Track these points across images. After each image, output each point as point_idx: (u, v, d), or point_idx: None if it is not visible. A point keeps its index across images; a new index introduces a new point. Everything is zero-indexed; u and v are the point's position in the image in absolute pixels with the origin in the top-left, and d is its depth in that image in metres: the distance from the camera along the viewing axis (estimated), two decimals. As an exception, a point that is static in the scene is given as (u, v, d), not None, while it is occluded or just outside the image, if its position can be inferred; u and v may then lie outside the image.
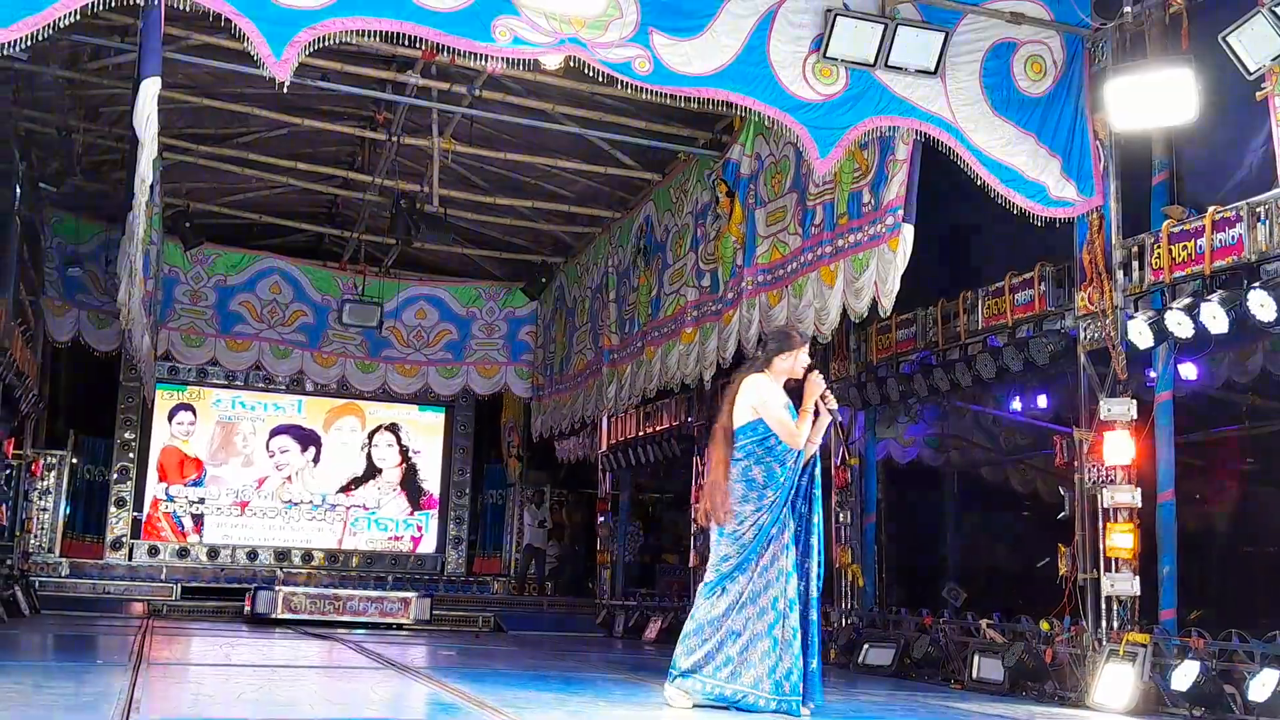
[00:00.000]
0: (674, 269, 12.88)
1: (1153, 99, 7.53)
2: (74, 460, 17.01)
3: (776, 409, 5.87)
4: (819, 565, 5.90)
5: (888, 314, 9.29)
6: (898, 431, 12.71)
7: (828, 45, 7.58)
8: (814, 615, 5.86)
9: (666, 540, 18.06)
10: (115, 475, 17.53)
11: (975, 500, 13.95)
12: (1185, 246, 7.73)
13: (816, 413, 5.92)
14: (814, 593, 5.88)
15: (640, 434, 15.91)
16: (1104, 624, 7.89)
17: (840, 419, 6.20)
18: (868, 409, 11.46)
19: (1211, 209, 7.55)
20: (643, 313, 13.61)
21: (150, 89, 7.21)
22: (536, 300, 17.42)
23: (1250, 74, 7.10)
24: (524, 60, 7.41)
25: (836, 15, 7.55)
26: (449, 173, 13.68)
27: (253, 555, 18.01)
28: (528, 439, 18.37)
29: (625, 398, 14.11)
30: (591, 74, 7.53)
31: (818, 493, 5.94)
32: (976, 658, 8.78)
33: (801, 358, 6.00)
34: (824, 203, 9.93)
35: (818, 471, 5.97)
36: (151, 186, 9.22)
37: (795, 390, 6.01)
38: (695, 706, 5.82)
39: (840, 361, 11.51)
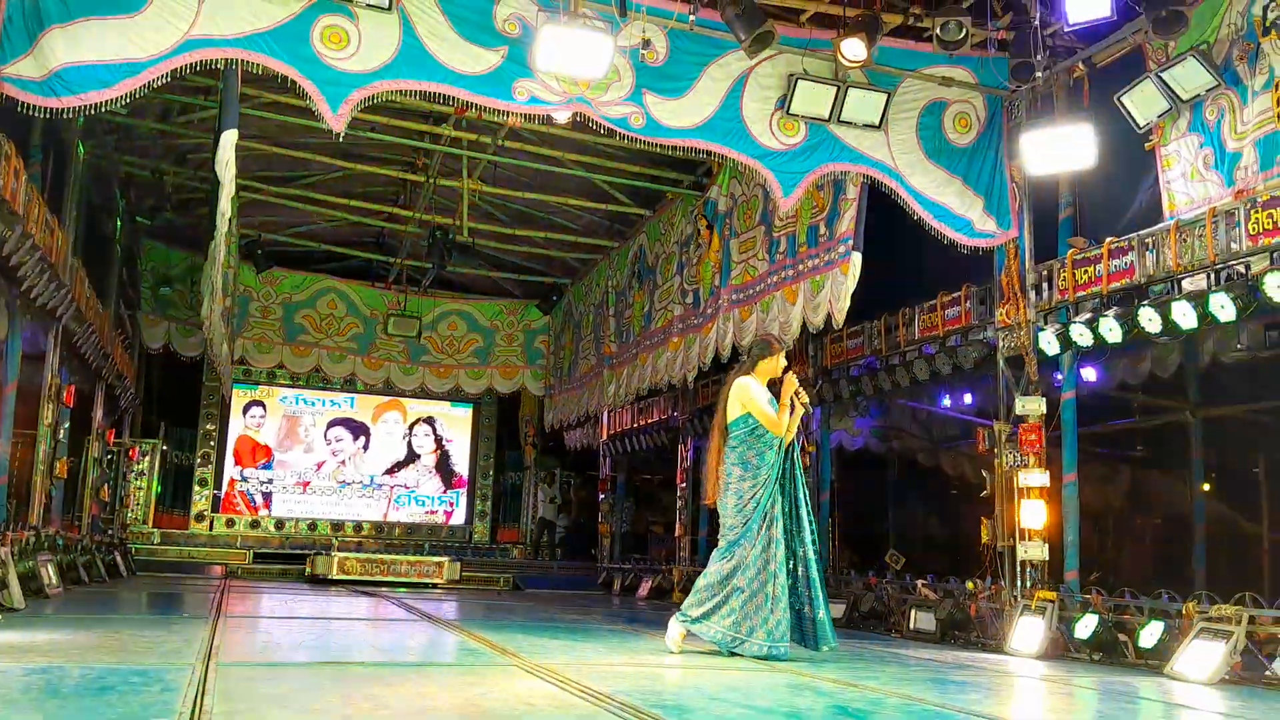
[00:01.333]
0: (663, 289, 12.89)
1: (1059, 148, 7.56)
2: (164, 447, 16.90)
3: (762, 404, 5.90)
4: (813, 528, 5.93)
5: (840, 326, 9.31)
6: (848, 424, 12.72)
7: (790, 104, 7.62)
8: (815, 573, 5.87)
9: (656, 514, 17.99)
10: (198, 460, 17.44)
11: (912, 481, 13.97)
12: (1086, 271, 7.73)
13: (793, 406, 5.95)
14: (812, 553, 5.90)
15: (635, 426, 15.89)
16: (1019, 583, 7.88)
17: (813, 411, 6.25)
18: (823, 405, 11.39)
19: (1108, 240, 7.56)
20: (637, 325, 13.60)
21: (229, 139, 7.20)
22: (549, 315, 17.42)
23: (1140, 128, 7.17)
24: (539, 115, 7.38)
25: (797, 79, 7.58)
26: (476, 209, 13.73)
27: (313, 526, 17.91)
28: (541, 430, 18.36)
29: (622, 395, 14.06)
30: (595, 127, 7.53)
31: (799, 472, 5.96)
32: (913, 611, 8.75)
33: (780, 360, 6.03)
34: (787, 234, 9.96)
35: (797, 454, 5.99)
36: (230, 220, 9.20)
37: (777, 388, 6.07)
38: (683, 653, 5.82)
39: (800, 365, 11.45)
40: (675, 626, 5.91)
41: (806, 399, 6.01)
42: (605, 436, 16.96)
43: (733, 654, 5.73)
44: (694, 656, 5.72)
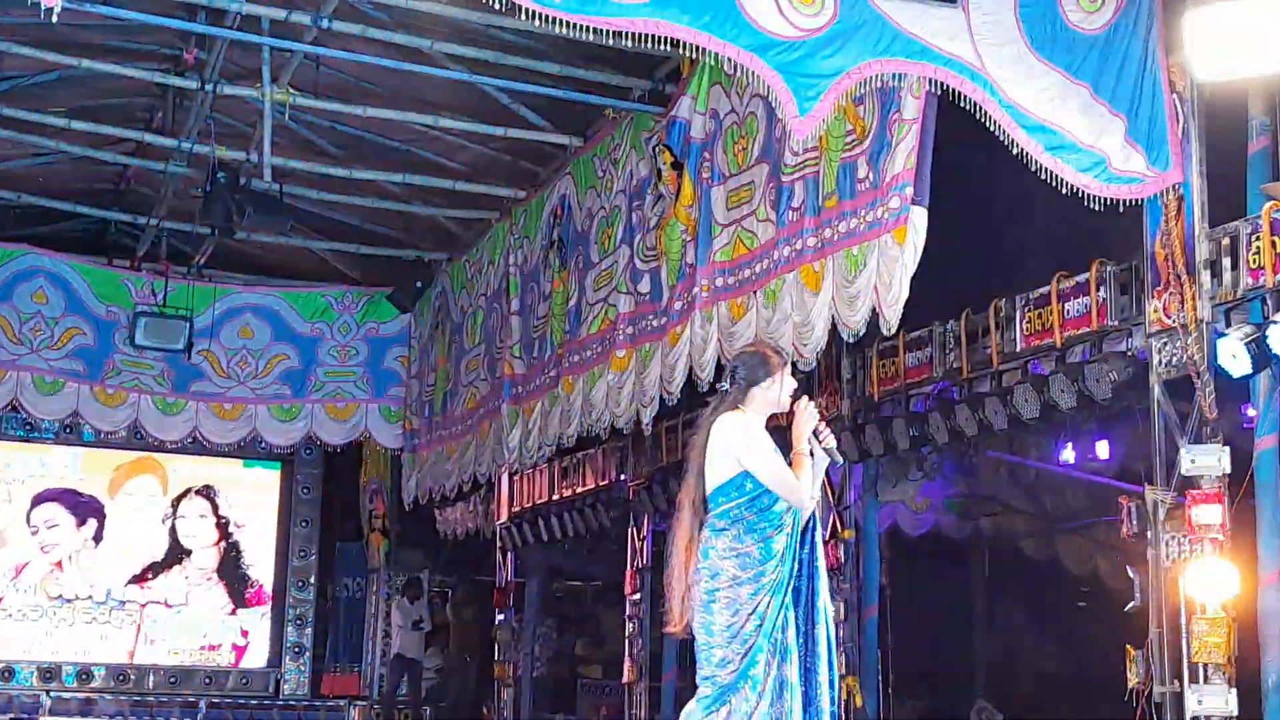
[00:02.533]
0: (601, 269, 12.84)
1: (1249, 38, 7.58)
2: None
3: (767, 456, 5.86)
4: (830, 664, 5.96)
5: (893, 330, 9.25)
6: (908, 493, 12.86)
7: (810, -39, 7.65)
8: None
9: (591, 645, 17.98)
10: None
11: (1014, 585, 14.19)
12: (1295, 238, 7.78)
13: (813, 454, 5.95)
14: (827, 704, 5.92)
15: (555, 498, 15.82)
16: (1190, 755, 7.92)
17: (841, 460, 6.26)
18: (866, 461, 11.47)
19: (1330, 187, 7.64)
20: (557, 329, 13.52)
21: None
22: (410, 312, 17.31)
23: (1377, 5, 7.29)
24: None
25: (822, -80, 7.63)
26: (287, 135, 13.53)
27: (7, 674, 17.66)
28: (397, 506, 18.26)
29: (533, 447, 13.95)
30: (485, -1, 7.50)
31: (820, 564, 6.00)
32: (1018, 802, 8.85)
33: (786, 383, 6.04)
34: (805, 178, 9.94)
35: (818, 536, 6.04)
36: None
37: (776, 430, 6.04)
38: None
39: (829, 396, 11.56)
40: None
41: (834, 442, 6.01)
42: (504, 516, 16.93)
43: None
44: None
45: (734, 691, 5.74)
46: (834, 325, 9.43)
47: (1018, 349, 9.78)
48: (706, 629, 5.82)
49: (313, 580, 19.27)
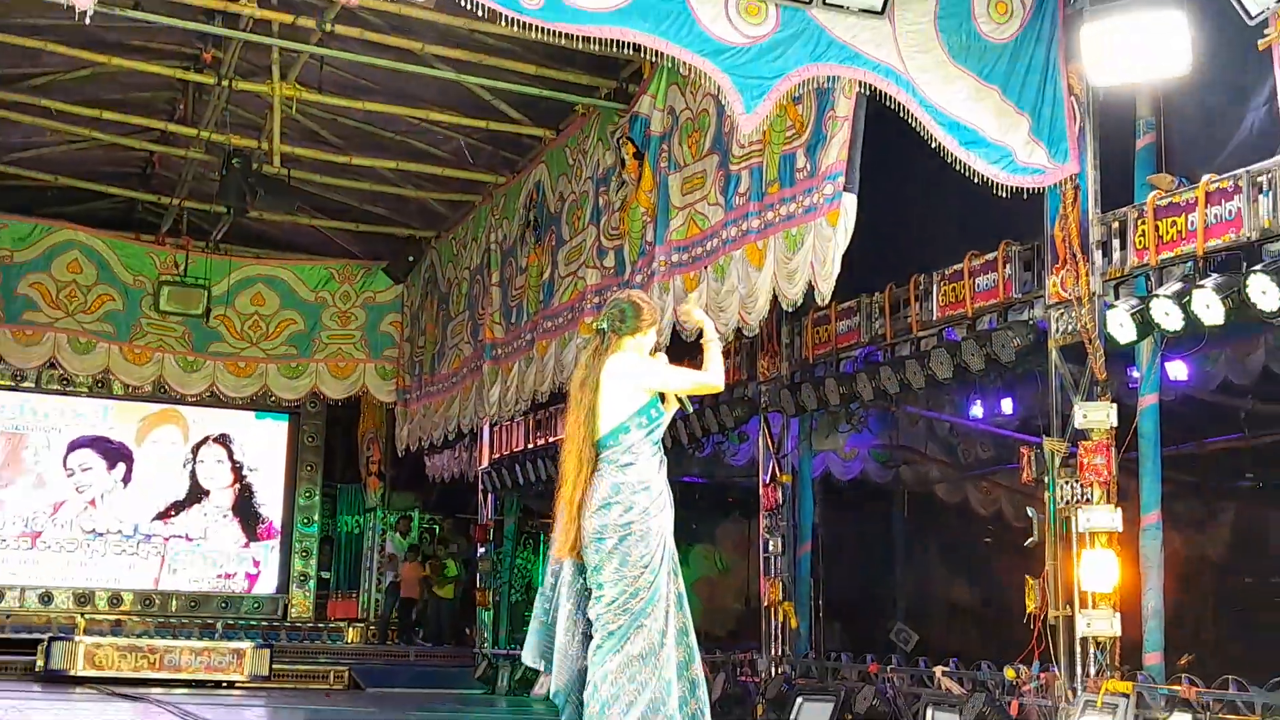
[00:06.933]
0: (571, 246, 12.95)
1: (1138, 48, 7.65)
2: None
3: (674, 368, 5.73)
4: (680, 599, 5.62)
5: (826, 301, 9.36)
6: (838, 443, 12.92)
7: (755, -24, 7.67)
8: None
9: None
10: None
11: (929, 524, 14.24)
12: (1174, 223, 7.81)
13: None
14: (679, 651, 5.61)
15: (530, 446, 15.91)
16: (1079, 670, 8.00)
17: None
18: (803, 416, 11.55)
19: (1205, 178, 7.66)
20: (533, 299, 13.62)
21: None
22: (403, 283, 17.51)
23: (1252, 19, 7.19)
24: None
25: (765, -60, 7.67)
26: (294, 126, 13.58)
27: (46, 598, 17.65)
28: (391, 453, 18.44)
29: (511, 402, 14.10)
30: (471, 6, 7.47)
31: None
32: (930, 711, 8.84)
33: (650, 340, 5.77)
34: (750, 167, 10.03)
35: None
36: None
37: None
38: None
39: (770, 359, 11.74)
40: None
41: (703, 314, 5.90)
42: (486, 462, 17.04)
43: None
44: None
45: (644, 615, 5.47)
46: (775, 297, 9.53)
47: (934, 318, 9.86)
48: (623, 562, 5.47)
49: (316, 517, 19.42)
